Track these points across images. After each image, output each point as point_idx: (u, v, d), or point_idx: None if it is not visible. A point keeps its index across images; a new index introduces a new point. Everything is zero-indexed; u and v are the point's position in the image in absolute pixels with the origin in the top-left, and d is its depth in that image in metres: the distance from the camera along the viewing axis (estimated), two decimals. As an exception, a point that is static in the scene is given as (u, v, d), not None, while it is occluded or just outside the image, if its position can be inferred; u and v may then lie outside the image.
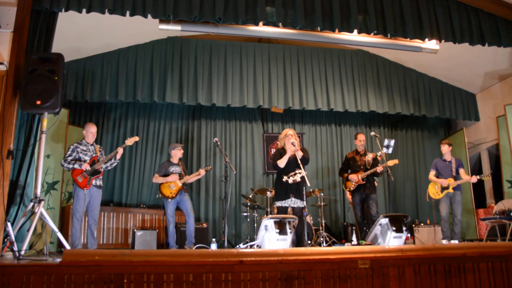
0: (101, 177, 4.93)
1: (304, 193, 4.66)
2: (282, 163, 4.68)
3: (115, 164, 5.16)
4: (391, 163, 5.50)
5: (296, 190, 4.65)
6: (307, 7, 4.75)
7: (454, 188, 5.70)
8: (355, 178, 5.59)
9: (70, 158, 4.78)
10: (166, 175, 5.60)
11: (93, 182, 4.80)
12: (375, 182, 5.75)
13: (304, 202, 4.65)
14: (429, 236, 6.58)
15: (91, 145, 4.99)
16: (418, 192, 8.04)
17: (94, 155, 4.93)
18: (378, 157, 5.65)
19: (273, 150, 7.55)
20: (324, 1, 4.82)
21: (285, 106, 6.85)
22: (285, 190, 4.65)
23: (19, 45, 4.03)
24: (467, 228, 7.32)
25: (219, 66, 6.66)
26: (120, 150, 4.98)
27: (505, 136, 6.76)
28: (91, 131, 5.00)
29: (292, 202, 4.67)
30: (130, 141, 5.12)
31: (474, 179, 5.69)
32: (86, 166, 4.74)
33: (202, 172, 5.69)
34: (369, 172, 5.52)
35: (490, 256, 2.98)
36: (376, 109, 7.13)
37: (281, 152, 4.82)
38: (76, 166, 4.73)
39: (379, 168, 5.48)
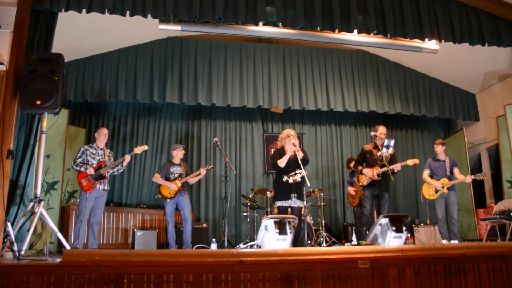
0: (106, 181, 4.97)
1: (304, 193, 4.66)
2: (282, 162, 4.67)
3: (122, 170, 5.21)
4: (410, 162, 5.32)
5: (297, 190, 4.65)
6: (307, 7, 4.75)
7: (448, 189, 5.60)
8: (370, 173, 5.21)
9: (79, 160, 4.89)
10: (167, 175, 5.61)
11: (97, 186, 4.86)
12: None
13: (304, 202, 4.65)
14: (429, 236, 6.57)
15: (101, 149, 5.06)
16: (418, 192, 8.02)
17: (101, 159, 5.00)
18: (378, 156, 5.40)
19: (273, 150, 7.54)
20: (324, 1, 4.82)
21: (285, 106, 6.85)
22: (286, 190, 4.63)
23: (19, 45, 4.03)
24: (467, 228, 7.31)
25: (219, 66, 6.66)
26: (127, 158, 5.05)
27: (505, 136, 6.75)
28: (103, 132, 5.12)
29: (293, 202, 4.66)
30: (138, 150, 5.17)
31: (469, 179, 5.57)
32: (91, 171, 4.81)
33: (203, 171, 5.66)
34: (385, 169, 5.11)
35: (490, 256, 2.97)
36: (376, 109, 7.13)
37: (281, 152, 4.81)
38: (82, 169, 4.81)
39: (396, 167, 5.11)
